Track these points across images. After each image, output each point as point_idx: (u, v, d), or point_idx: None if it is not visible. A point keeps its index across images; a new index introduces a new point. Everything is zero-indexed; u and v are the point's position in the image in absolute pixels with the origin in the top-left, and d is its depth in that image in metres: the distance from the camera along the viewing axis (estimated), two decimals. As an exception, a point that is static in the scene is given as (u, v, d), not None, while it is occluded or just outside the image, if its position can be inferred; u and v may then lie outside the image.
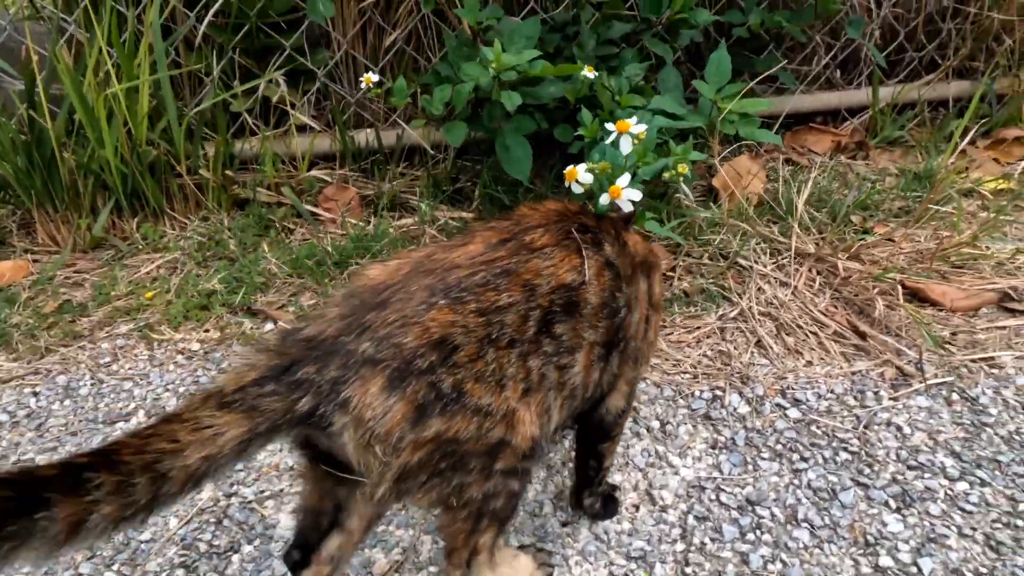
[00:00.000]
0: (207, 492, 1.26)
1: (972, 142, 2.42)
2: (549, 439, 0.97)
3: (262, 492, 1.27)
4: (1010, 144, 2.44)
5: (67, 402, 1.48)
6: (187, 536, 1.19)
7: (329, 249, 1.88)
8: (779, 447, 1.34)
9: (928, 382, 1.47)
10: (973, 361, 1.52)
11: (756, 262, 1.82)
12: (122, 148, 1.91)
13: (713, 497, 1.24)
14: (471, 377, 0.82)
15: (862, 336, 1.61)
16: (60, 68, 1.83)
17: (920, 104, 2.55)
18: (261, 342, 0.96)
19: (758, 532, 1.18)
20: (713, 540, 1.17)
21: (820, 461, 1.30)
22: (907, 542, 1.15)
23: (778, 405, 1.44)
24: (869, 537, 1.16)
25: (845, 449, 1.33)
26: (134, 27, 1.88)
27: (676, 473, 1.29)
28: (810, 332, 1.63)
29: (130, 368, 1.57)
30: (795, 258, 1.82)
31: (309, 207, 2.09)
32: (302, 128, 2.17)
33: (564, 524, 1.20)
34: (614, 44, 2.01)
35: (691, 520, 1.20)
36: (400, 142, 2.22)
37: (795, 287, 1.75)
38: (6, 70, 1.95)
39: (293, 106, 2.13)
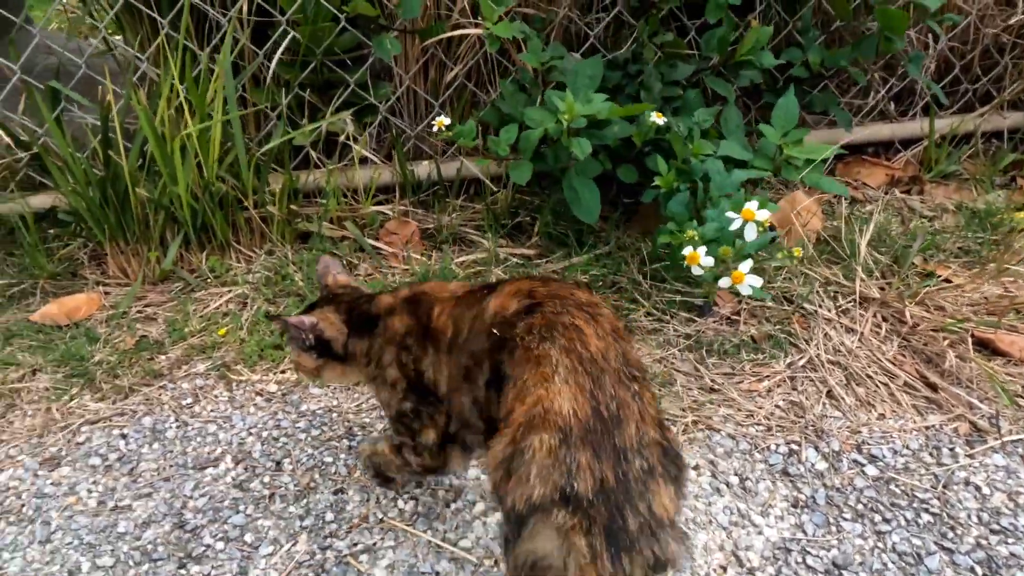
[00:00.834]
0: (302, 544, 1.30)
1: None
2: None
3: (355, 544, 1.30)
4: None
5: (155, 445, 1.52)
6: (287, 590, 1.22)
7: (396, 285, 1.91)
8: (860, 507, 1.36)
9: (1004, 439, 1.49)
10: (1047, 417, 1.53)
11: (820, 306, 1.83)
12: (192, 184, 1.94)
13: (800, 560, 1.26)
14: None
15: (933, 388, 1.62)
16: (136, 105, 1.86)
17: (975, 137, 2.55)
18: None
19: (846, 597, 1.20)
20: (803, 605, 1.19)
21: (903, 523, 1.32)
22: (996, 611, 1.17)
23: (855, 461, 1.45)
24: (958, 605, 1.18)
25: (926, 510, 1.34)
26: (207, 66, 1.91)
27: (760, 533, 1.31)
28: (880, 383, 1.64)
29: (212, 410, 1.61)
30: (859, 303, 1.83)
31: (371, 240, 2.12)
32: (363, 160, 2.20)
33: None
34: (677, 85, 2.02)
35: (779, 583, 1.22)
36: (459, 175, 2.25)
37: (861, 334, 1.76)
38: (83, 103, 1.98)
39: (356, 140, 2.15)
